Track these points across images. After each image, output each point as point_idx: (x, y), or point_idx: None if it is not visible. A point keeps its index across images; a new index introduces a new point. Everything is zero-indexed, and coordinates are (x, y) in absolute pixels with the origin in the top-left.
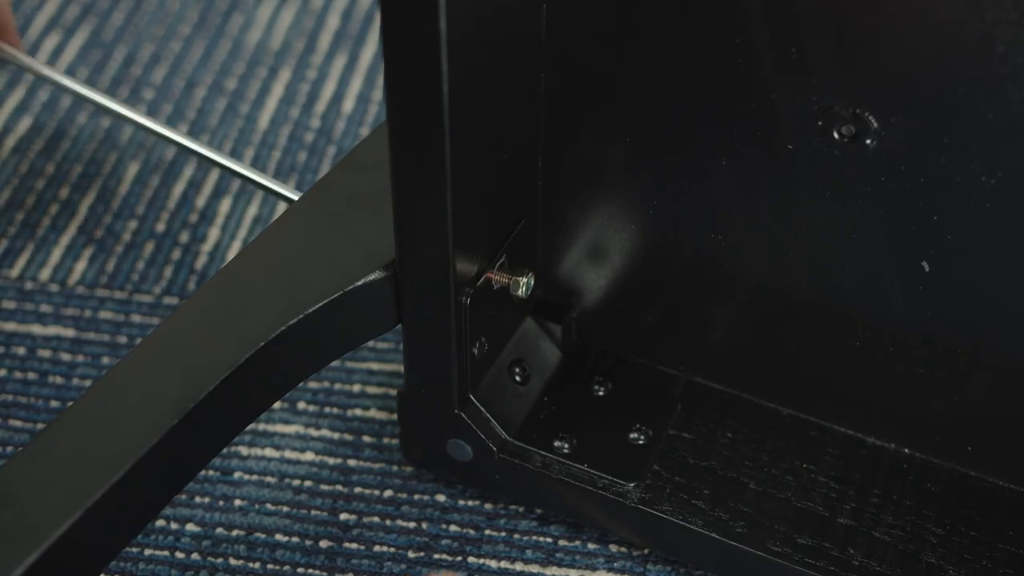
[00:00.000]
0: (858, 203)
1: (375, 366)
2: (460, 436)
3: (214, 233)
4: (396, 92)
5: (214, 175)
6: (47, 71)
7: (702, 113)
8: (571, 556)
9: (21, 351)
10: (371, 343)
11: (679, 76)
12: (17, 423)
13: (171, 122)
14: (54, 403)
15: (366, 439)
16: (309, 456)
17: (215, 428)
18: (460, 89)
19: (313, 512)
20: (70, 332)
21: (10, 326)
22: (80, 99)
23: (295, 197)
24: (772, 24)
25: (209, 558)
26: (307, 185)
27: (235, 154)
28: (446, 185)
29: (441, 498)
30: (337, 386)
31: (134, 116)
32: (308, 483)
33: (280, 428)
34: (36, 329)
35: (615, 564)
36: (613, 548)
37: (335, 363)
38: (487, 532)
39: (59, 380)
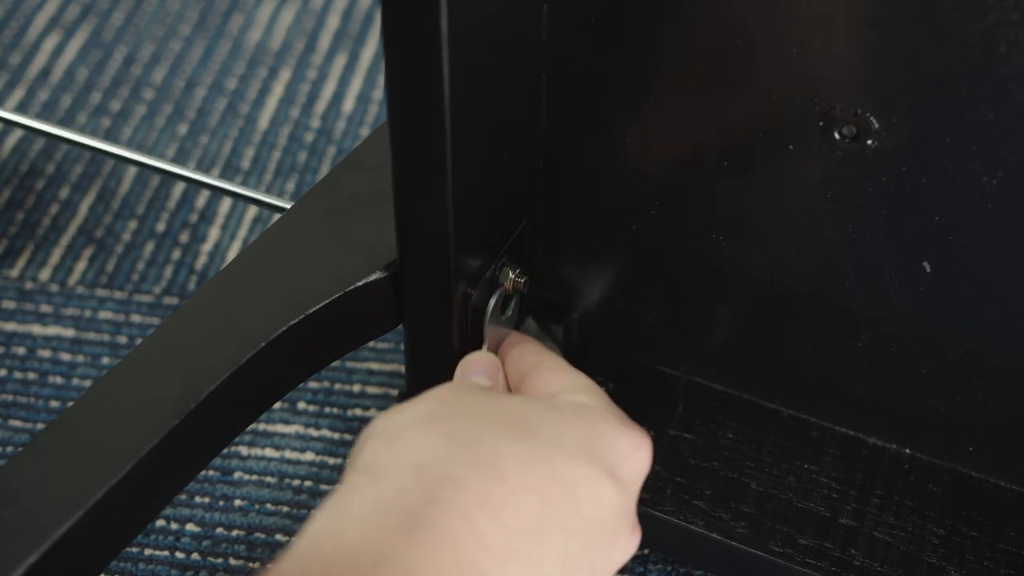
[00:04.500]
0: (859, 204)
1: (375, 366)
2: None
3: (214, 233)
4: (397, 92)
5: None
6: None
7: (703, 114)
8: None
9: (21, 351)
10: (371, 343)
11: (680, 76)
12: (17, 423)
13: (171, 122)
14: (54, 403)
15: None
16: (309, 456)
17: (215, 428)
18: (461, 89)
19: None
20: (70, 332)
21: (10, 326)
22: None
23: (286, 206)
24: (773, 24)
25: (209, 558)
26: (307, 185)
27: (235, 154)
28: (447, 185)
29: None
30: (337, 386)
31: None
32: (308, 483)
33: (280, 428)
34: (36, 329)
35: None
36: None
37: (335, 363)
38: None
39: (59, 380)
